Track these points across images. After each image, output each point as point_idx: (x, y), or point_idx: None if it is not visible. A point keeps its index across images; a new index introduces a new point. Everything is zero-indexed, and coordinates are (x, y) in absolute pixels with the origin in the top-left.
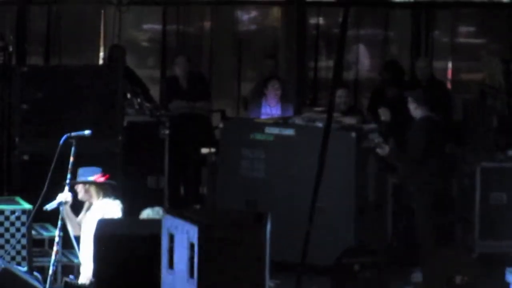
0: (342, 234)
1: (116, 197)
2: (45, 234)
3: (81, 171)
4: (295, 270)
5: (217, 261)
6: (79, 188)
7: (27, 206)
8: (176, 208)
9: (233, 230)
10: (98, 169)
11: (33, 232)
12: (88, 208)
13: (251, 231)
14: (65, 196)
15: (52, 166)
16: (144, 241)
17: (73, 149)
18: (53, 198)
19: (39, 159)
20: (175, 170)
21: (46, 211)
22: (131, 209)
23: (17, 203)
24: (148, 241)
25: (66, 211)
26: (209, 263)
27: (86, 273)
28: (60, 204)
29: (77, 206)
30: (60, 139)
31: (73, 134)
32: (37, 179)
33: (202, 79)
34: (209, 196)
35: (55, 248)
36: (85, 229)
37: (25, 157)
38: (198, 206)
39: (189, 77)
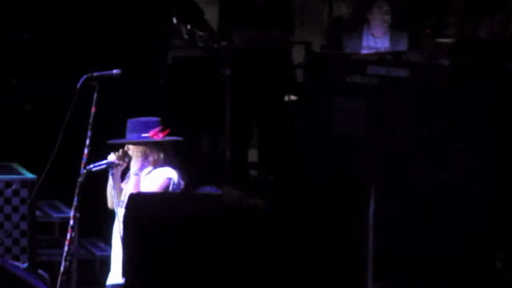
0: (477, 218)
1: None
2: (55, 215)
3: (130, 124)
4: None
5: (299, 250)
6: (133, 151)
7: (29, 175)
8: (241, 180)
9: (323, 208)
10: (154, 120)
11: (38, 213)
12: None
13: (348, 209)
14: (116, 156)
15: (66, 119)
16: (193, 223)
17: (95, 96)
18: (61, 167)
19: (45, 109)
20: (239, 126)
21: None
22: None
23: (16, 172)
24: (200, 223)
25: (114, 177)
26: (288, 254)
27: (117, 272)
28: (109, 165)
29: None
30: (75, 81)
31: (95, 74)
32: (45, 137)
33: None
34: (288, 162)
35: (68, 236)
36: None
37: (27, 106)
38: (272, 177)
39: None
